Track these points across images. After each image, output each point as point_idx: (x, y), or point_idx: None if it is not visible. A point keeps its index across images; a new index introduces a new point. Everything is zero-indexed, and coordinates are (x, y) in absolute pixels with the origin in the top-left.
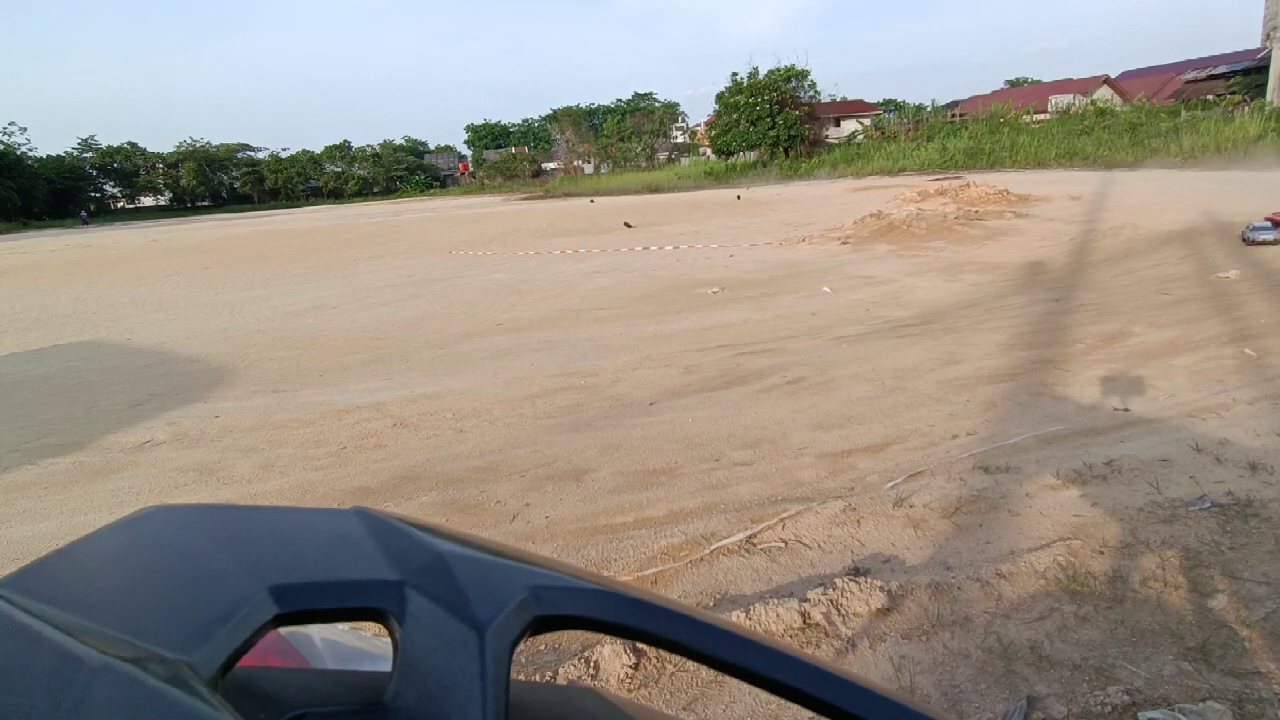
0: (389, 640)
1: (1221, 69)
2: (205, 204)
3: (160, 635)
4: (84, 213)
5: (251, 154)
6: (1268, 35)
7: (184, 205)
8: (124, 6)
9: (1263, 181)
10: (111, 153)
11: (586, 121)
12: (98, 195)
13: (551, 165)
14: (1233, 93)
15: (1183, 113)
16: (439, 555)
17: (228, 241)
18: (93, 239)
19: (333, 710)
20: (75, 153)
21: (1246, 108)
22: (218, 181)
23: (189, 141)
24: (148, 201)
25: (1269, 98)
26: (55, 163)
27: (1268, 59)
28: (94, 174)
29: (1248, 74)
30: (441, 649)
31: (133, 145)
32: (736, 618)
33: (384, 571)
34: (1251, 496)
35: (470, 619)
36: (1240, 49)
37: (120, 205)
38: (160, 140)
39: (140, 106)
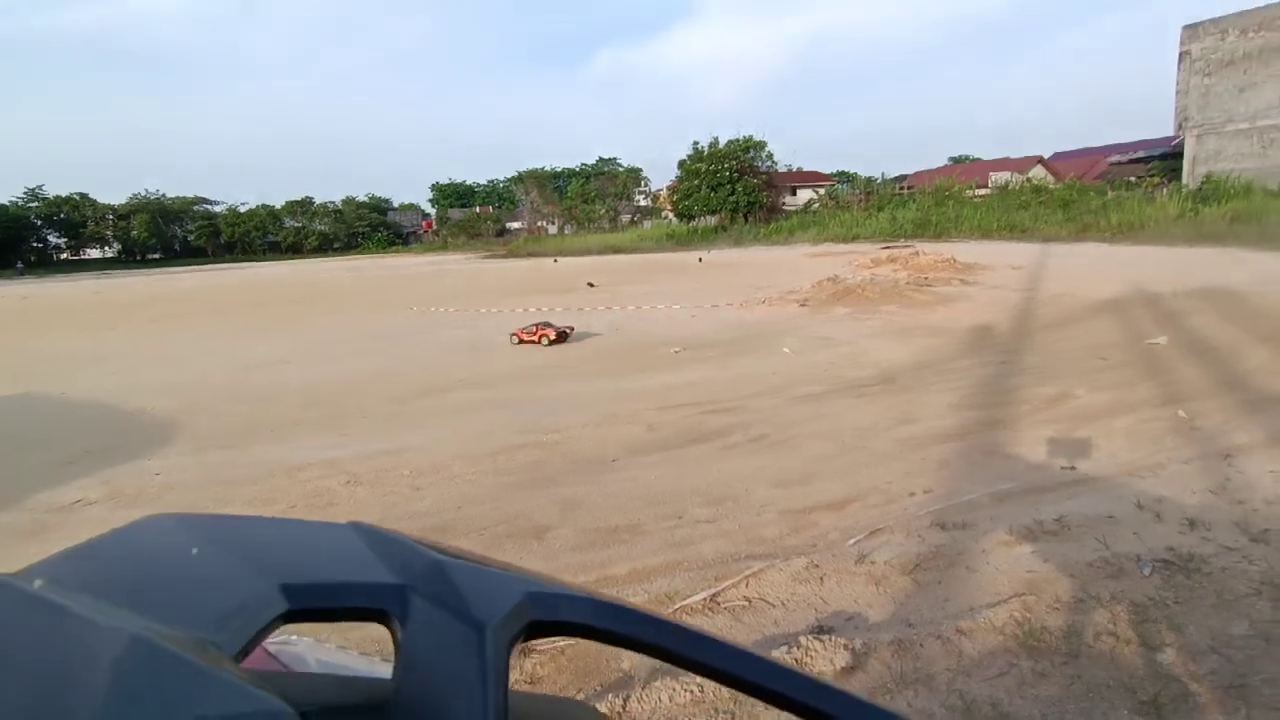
0: (381, 658)
1: (1141, 153)
2: (155, 256)
3: (180, 620)
4: (19, 263)
5: (208, 207)
6: (1179, 125)
7: (133, 257)
8: (81, 55)
9: (1182, 257)
10: (59, 203)
11: (551, 183)
12: (40, 245)
13: (516, 225)
14: (1152, 175)
15: (1109, 192)
16: (438, 563)
17: (176, 295)
18: (32, 290)
19: (338, 706)
20: (20, 202)
21: (1165, 189)
22: (170, 234)
23: (142, 194)
24: (94, 253)
25: (1184, 180)
26: None
27: (1181, 146)
28: (38, 224)
29: (1164, 159)
30: (442, 647)
31: (82, 196)
32: None
33: (386, 576)
34: (1191, 552)
35: (470, 619)
36: (1158, 135)
37: (64, 256)
38: (113, 191)
39: (93, 156)
